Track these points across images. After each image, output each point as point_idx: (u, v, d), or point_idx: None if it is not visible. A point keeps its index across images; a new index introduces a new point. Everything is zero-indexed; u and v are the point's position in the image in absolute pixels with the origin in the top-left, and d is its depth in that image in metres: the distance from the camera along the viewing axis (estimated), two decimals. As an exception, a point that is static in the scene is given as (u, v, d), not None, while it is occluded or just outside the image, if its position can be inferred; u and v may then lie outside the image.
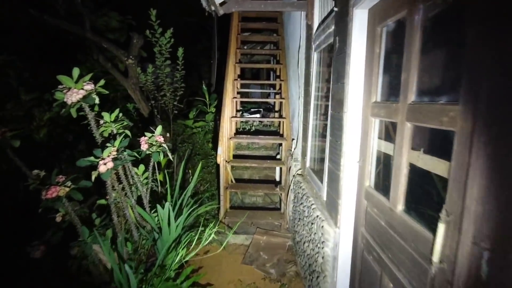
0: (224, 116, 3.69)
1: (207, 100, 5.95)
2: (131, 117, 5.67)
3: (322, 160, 2.68)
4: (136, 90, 4.81)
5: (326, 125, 2.55)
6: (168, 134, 5.35)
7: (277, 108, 5.94)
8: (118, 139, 2.52)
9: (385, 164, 1.67)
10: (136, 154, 2.72)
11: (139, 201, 2.99)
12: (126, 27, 5.92)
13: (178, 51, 5.33)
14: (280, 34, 5.51)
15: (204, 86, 6.37)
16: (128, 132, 2.69)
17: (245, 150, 4.99)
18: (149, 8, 5.35)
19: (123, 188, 2.73)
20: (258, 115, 7.16)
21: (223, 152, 3.72)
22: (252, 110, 8.27)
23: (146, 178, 3.01)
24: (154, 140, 2.83)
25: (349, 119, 1.90)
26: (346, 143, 1.92)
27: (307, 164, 3.13)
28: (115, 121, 2.61)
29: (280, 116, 5.04)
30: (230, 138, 4.22)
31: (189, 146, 5.95)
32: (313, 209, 2.47)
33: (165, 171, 3.83)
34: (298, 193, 3.11)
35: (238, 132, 5.13)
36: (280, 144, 4.48)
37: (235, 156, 4.53)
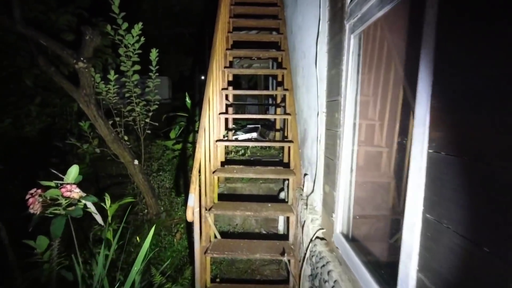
0: (201, 142, 2.40)
1: (195, 115, 4.67)
2: (86, 139, 4.37)
3: (375, 229, 1.39)
4: (90, 103, 3.59)
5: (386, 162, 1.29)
6: (136, 162, 4.05)
7: (279, 126, 4.67)
8: None
9: None
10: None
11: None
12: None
13: (152, 52, 4.10)
14: (282, 32, 4.30)
15: (187, 99, 5.11)
16: None
17: (237, 182, 3.69)
18: (135, 17, 4.15)
19: None
20: (254, 134, 5.91)
21: (201, 197, 2.42)
22: (248, 127, 7.01)
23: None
24: (59, 194, 1.53)
25: None
26: None
27: (337, 227, 1.83)
28: None
29: (284, 138, 3.75)
30: (214, 172, 2.93)
31: (166, 175, 4.64)
32: None
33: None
34: (322, 279, 1.79)
35: (227, 161, 3.83)
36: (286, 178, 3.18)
37: (223, 197, 3.22)
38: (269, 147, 5.01)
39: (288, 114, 3.48)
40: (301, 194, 2.81)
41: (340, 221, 1.82)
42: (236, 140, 3.96)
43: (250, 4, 4.71)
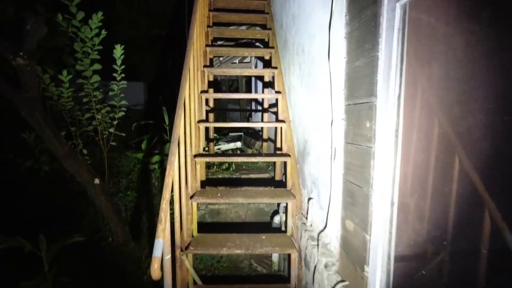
0: (173, 161, 1.76)
1: (167, 123, 4.00)
2: (33, 154, 3.58)
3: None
4: (35, 110, 2.86)
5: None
6: (97, 181, 3.33)
7: (266, 135, 4.08)
8: None
9: None
10: None
11: None
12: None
13: (116, 49, 3.42)
14: (269, 27, 3.75)
15: (163, 107, 4.43)
16: None
17: (221, 203, 3.06)
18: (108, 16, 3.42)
19: None
20: (239, 143, 5.30)
21: (174, 234, 1.78)
22: (230, 135, 6.40)
23: None
24: None
25: None
26: None
27: (373, 286, 1.25)
28: None
29: (277, 151, 3.17)
30: (192, 197, 2.29)
31: (133, 194, 3.94)
32: None
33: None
34: None
35: (208, 180, 3.19)
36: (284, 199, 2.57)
37: (204, 226, 2.58)
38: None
39: (281, 121, 2.91)
40: (304, 223, 2.22)
41: (378, 279, 1.24)
42: (220, 154, 3.33)
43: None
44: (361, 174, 1.34)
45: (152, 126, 4.76)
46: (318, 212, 2.00)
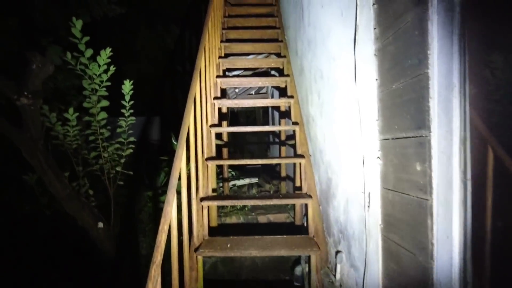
0: (168, 213, 1.44)
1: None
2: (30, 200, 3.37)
3: None
4: (36, 151, 2.70)
5: None
6: (101, 225, 3.06)
7: (284, 172, 3.73)
8: None
9: None
10: None
11: None
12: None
13: (124, 85, 3.29)
14: (284, 55, 3.55)
15: (173, 140, 4.24)
16: None
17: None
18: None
19: None
20: (255, 179, 4.97)
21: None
22: (247, 167, 6.09)
23: None
24: None
25: None
26: None
27: None
28: None
29: (295, 190, 2.81)
30: (197, 250, 1.94)
31: (145, 240, 3.63)
32: None
33: None
34: None
35: (219, 227, 2.84)
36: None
37: (210, 284, 2.20)
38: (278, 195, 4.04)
39: (300, 156, 2.57)
40: (331, 282, 1.81)
41: None
42: (232, 196, 3.01)
43: (245, 28, 4.02)
44: (412, 235, 0.97)
45: (166, 162, 4.55)
46: (349, 271, 1.59)
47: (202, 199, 2.21)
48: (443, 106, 0.83)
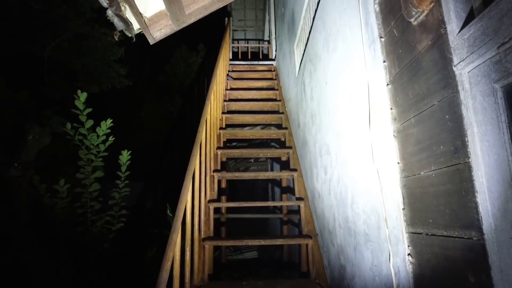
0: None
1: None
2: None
3: None
4: (17, 227, 2.44)
5: None
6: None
7: (287, 254, 3.42)
8: None
9: None
10: None
11: None
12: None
13: (122, 155, 3.20)
14: (285, 127, 3.54)
15: (168, 212, 3.99)
16: None
17: None
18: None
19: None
20: (254, 253, 4.61)
21: None
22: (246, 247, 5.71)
23: None
24: None
25: None
26: None
27: None
28: None
29: (301, 277, 2.50)
30: None
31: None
32: None
33: None
34: None
35: None
36: None
37: None
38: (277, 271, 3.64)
39: (306, 236, 2.34)
40: None
41: None
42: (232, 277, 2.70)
43: (246, 100, 4.11)
44: None
45: (159, 235, 4.22)
46: None
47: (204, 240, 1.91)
48: (497, 203, 0.69)
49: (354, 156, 1.52)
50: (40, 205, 2.93)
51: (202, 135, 2.27)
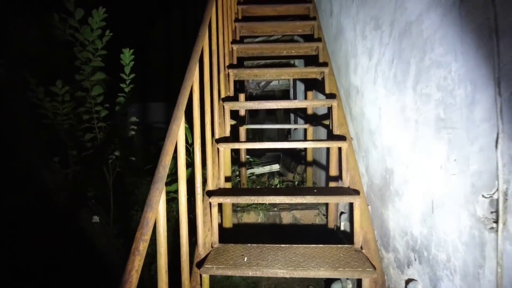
0: (145, 233, 0.90)
1: (190, 143, 3.23)
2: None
3: None
4: (19, 131, 2.22)
5: None
6: (96, 219, 2.61)
7: (311, 157, 3.15)
8: None
9: None
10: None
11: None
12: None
13: (124, 54, 2.78)
14: (314, 16, 2.90)
15: (186, 125, 3.69)
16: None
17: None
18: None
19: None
20: (276, 166, 4.43)
21: None
22: (267, 154, 5.55)
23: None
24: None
25: None
26: None
27: None
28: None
29: (330, 182, 2.22)
30: (200, 266, 1.41)
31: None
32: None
33: None
34: None
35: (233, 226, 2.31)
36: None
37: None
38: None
39: (340, 138, 1.97)
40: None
41: None
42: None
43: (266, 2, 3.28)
44: None
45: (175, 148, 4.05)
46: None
47: (210, 194, 1.66)
48: None
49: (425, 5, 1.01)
50: (42, 110, 2.67)
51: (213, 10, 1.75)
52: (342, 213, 2.17)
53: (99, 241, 2.66)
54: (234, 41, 2.69)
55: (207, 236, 1.61)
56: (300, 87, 4.81)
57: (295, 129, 6.05)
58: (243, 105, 2.24)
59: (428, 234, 1.07)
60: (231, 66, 2.42)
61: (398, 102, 1.30)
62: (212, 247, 1.61)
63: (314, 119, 3.18)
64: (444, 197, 0.98)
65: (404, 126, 1.25)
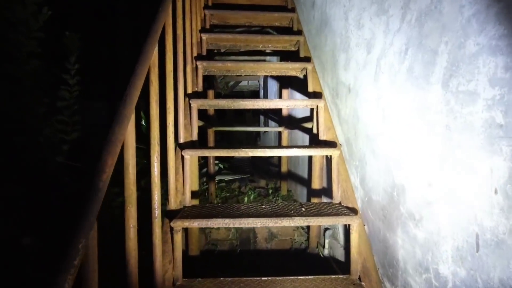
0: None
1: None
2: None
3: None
4: None
5: None
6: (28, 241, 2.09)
7: (286, 167, 2.86)
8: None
9: None
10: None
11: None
12: None
13: (68, 38, 2.30)
14: (292, 7, 2.63)
15: (143, 121, 3.28)
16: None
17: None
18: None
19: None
20: (247, 172, 4.14)
21: None
22: (236, 158, 5.22)
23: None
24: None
25: None
26: None
27: None
28: None
29: (312, 197, 1.94)
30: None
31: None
32: None
33: None
34: None
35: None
36: None
37: None
38: (273, 187, 3.16)
39: (329, 144, 1.68)
40: None
41: None
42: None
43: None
44: None
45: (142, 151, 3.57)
46: None
47: (172, 215, 1.29)
48: None
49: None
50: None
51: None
52: (326, 229, 1.90)
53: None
54: (203, 30, 2.33)
55: (168, 270, 1.23)
56: (273, 87, 4.53)
57: (264, 132, 5.78)
58: (214, 104, 1.88)
59: (467, 278, 0.81)
60: (200, 57, 2.06)
61: (414, 102, 1.04)
62: (173, 285, 1.24)
63: (290, 122, 2.90)
64: (499, 233, 0.71)
65: (425, 133, 0.98)
